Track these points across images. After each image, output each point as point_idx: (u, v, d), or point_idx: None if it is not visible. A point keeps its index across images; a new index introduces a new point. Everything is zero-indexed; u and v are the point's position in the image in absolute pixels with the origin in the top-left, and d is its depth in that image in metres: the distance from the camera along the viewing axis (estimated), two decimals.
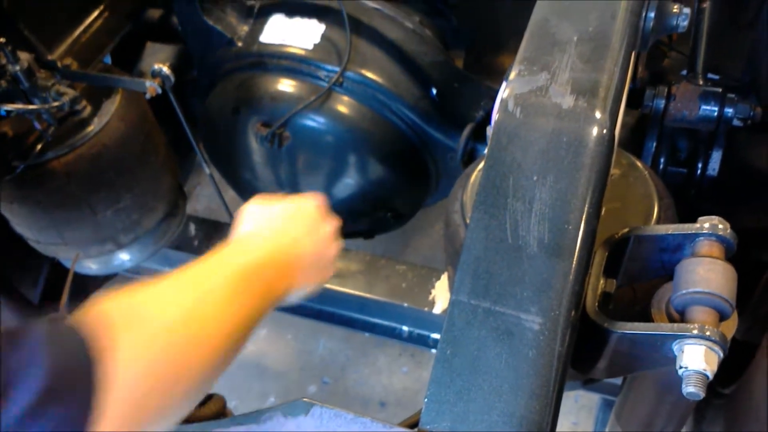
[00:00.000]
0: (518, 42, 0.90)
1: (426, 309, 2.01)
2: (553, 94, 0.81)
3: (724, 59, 1.74)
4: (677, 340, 0.77)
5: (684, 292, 0.79)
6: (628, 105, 1.69)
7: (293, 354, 2.55)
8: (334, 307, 2.13)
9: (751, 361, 1.35)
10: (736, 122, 1.60)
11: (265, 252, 0.89)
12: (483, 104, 1.83)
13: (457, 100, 1.88)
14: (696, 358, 0.74)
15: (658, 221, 1.20)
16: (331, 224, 1.05)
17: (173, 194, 2.06)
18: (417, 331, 2.09)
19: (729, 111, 1.58)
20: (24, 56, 1.59)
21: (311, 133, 1.83)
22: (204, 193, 2.87)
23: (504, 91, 0.83)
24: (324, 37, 1.82)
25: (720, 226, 0.83)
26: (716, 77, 1.68)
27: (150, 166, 1.93)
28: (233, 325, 0.79)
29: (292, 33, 1.83)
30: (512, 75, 0.83)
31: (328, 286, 2.05)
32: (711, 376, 0.75)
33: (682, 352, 0.76)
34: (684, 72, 1.70)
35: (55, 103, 1.62)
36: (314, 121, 1.82)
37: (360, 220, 2.03)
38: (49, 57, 1.70)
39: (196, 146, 1.86)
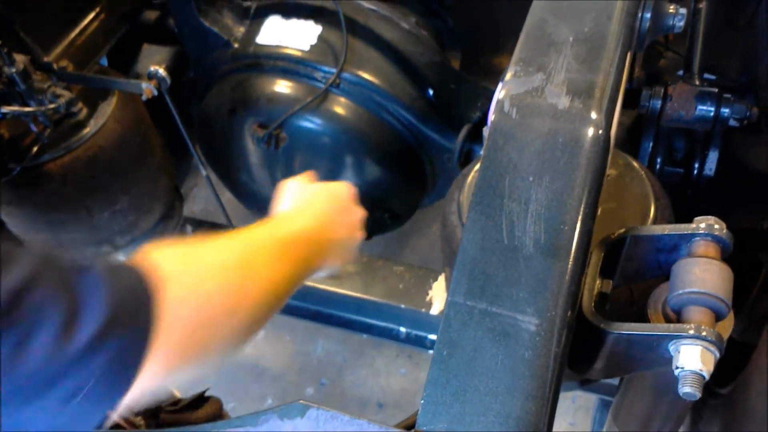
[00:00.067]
0: (515, 42, 0.90)
1: (423, 310, 2.01)
2: (549, 94, 0.81)
3: (720, 59, 1.75)
4: (673, 341, 0.77)
5: (680, 292, 0.79)
6: (624, 105, 1.68)
7: (291, 356, 2.55)
8: (331, 308, 2.13)
9: (748, 361, 1.35)
10: (732, 122, 1.60)
11: (304, 229, 0.98)
12: (479, 105, 1.83)
13: (454, 101, 1.88)
14: (692, 359, 0.74)
15: (655, 221, 1.21)
16: (359, 212, 1.14)
17: (170, 196, 2.06)
18: (414, 332, 2.09)
19: (725, 111, 1.58)
20: (20, 58, 1.59)
21: (308, 134, 1.83)
22: (201, 195, 2.86)
23: (500, 92, 0.83)
24: (320, 38, 1.82)
25: (716, 227, 0.83)
26: (713, 77, 1.69)
27: (146, 167, 1.93)
28: (275, 282, 0.87)
29: (289, 34, 1.83)
30: (508, 76, 0.83)
31: (325, 287, 2.05)
32: (707, 377, 0.75)
33: (678, 352, 0.76)
34: (680, 72, 1.70)
35: (51, 105, 1.62)
36: (311, 122, 1.82)
37: None
38: (45, 59, 1.70)
39: (193, 148, 1.86)
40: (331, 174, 1.94)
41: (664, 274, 0.87)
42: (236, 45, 1.88)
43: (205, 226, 2.37)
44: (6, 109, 1.60)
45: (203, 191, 2.85)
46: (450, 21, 1.95)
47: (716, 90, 1.58)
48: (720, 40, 1.72)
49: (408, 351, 2.45)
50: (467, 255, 0.77)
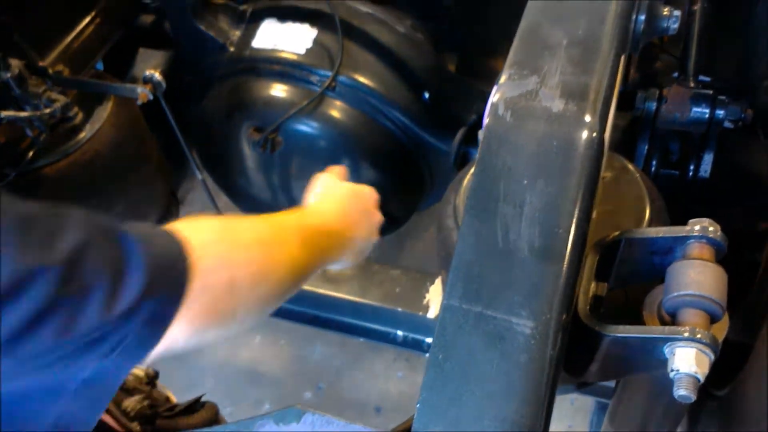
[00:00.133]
0: (510, 45, 0.90)
1: (420, 313, 2.01)
2: (543, 97, 0.81)
3: (716, 61, 1.75)
4: (668, 343, 0.77)
5: (675, 294, 0.79)
6: (620, 107, 1.69)
7: (288, 360, 2.55)
8: (328, 312, 2.13)
9: (745, 363, 1.35)
10: (727, 124, 1.60)
11: (328, 223, 1.07)
12: (475, 108, 1.84)
13: (450, 104, 1.88)
14: (687, 361, 0.74)
15: (650, 224, 1.21)
16: (378, 216, 1.23)
17: (166, 200, 2.06)
18: (411, 335, 2.09)
19: (720, 113, 1.58)
20: (15, 63, 1.59)
21: (304, 138, 1.83)
22: (198, 199, 2.85)
23: (494, 95, 0.83)
24: (316, 41, 1.82)
25: (710, 229, 0.83)
26: (708, 79, 1.69)
27: (142, 172, 1.93)
28: (296, 264, 0.94)
29: (285, 38, 1.83)
30: (502, 79, 0.83)
31: (322, 291, 2.05)
32: (702, 379, 0.75)
33: (673, 354, 0.76)
34: (676, 74, 1.71)
35: (47, 110, 1.62)
36: (307, 126, 1.82)
37: None
38: (41, 64, 1.70)
39: (189, 152, 1.86)
40: None
41: (659, 277, 0.87)
42: (232, 49, 1.88)
43: None
44: (1, 114, 1.60)
45: (200, 195, 2.84)
46: (446, 24, 1.95)
47: (711, 92, 1.59)
48: (715, 41, 1.72)
49: (406, 354, 2.45)
50: (462, 258, 0.77)
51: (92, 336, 0.70)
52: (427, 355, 0.74)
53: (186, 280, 0.76)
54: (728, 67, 1.78)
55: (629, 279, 0.92)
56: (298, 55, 1.81)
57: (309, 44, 1.82)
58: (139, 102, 1.70)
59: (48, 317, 0.68)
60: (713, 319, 0.80)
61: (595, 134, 0.78)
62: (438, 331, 0.74)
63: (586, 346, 0.83)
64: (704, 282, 0.79)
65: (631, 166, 1.32)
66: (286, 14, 1.86)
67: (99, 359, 0.73)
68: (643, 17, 1.06)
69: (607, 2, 0.90)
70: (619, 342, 0.81)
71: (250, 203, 2.16)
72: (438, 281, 2.10)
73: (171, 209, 2.10)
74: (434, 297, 2.03)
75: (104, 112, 1.80)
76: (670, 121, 1.61)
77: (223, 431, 0.87)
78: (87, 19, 1.82)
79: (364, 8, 1.84)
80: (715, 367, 0.80)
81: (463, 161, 1.80)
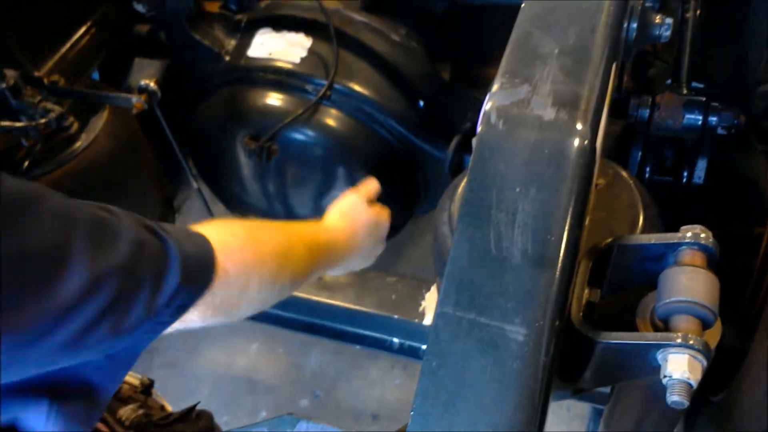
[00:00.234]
0: (503, 54, 0.90)
1: (416, 320, 2.01)
2: (535, 106, 0.81)
3: (709, 68, 1.76)
4: (661, 349, 0.77)
5: (667, 301, 0.80)
6: (613, 115, 1.70)
7: (284, 368, 2.54)
8: (324, 320, 2.13)
9: (740, 368, 1.35)
10: (720, 131, 1.61)
11: (336, 243, 1.20)
12: (470, 115, 1.84)
13: (444, 112, 1.89)
14: (679, 367, 0.74)
15: (644, 230, 1.21)
16: (383, 246, 1.38)
17: (162, 208, 2.06)
18: (408, 342, 2.08)
19: (713, 119, 1.59)
20: (10, 73, 1.59)
21: (299, 146, 1.84)
22: (194, 207, 2.85)
23: (486, 104, 0.83)
24: (311, 50, 1.83)
25: (702, 235, 0.84)
26: (701, 86, 1.70)
27: (138, 181, 1.93)
28: (302, 272, 1.08)
29: (280, 47, 1.84)
30: (494, 88, 0.84)
31: (317, 298, 2.05)
32: (695, 385, 0.75)
33: (666, 360, 0.76)
34: (669, 81, 1.71)
35: (42, 120, 1.62)
36: (302, 134, 1.82)
37: None
38: (36, 74, 1.70)
39: (184, 161, 1.86)
40: (322, 185, 1.95)
41: (651, 283, 0.87)
42: (227, 58, 1.89)
43: None
44: None
45: (196, 203, 2.84)
46: (440, 32, 1.96)
47: (704, 99, 1.59)
48: (708, 48, 1.73)
49: (403, 362, 2.45)
50: (456, 266, 0.77)
51: (137, 324, 0.80)
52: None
53: (210, 280, 0.88)
54: (721, 74, 1.79)
55: (622, 285, 0.92)
56: (293, 64, 1.82)
57: (304, 53, 1.82)
58: (135, 111, 1.70)
59: (107, 315, 0.76)
60: (705, 325, 0.80)
61: (586, 142, 0.79)
62: (432, 338, 0.74)
63: (579, 353, 0.83)
64: (696, 288, 0.80)
65: (624, 173, 1.33)
66: (281, 23, 1.87)
67: (138, 337, 0.82)
68: (634, 25, 1.07)
69: (597, 11, 0.91)
70: (613, 348, 0.81)
71: (245, 211, 2.17)
72: (434, 288, 2.10)
73: (167, 217, 2.10)
74: (430, 304, 2.03)
75: (100, 121, 1.80)
76: (664, 127, 1.62)
77: None
78: (82, 30, 1.82)
79: (359, 17, 1.85)
80: (710, 373, 0.80)
81: (458, 168, 1.81)
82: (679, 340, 0.76)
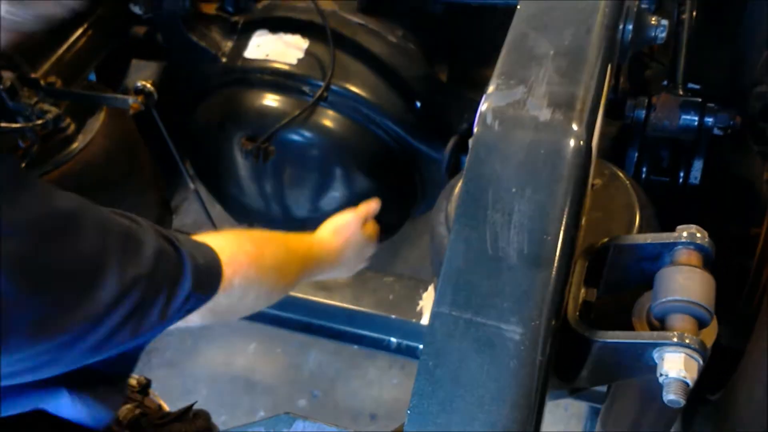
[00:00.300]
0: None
1: (414, 320, 2.01)
2: (531, 107, 0.82)
3: (705, 69, 1.76)
4: (657, 348, 0.77)
5: (663, 300, 0.80)
6: (610, 116, 1.70)
7: (282, 368, 2.54)
8: (322, 320, 2.13)
9: (737, 367, 1.36)
10: (716, 131, 1.61)
11: (328, 258, 1.32)
12: (466, 116, 1.85)
13: (441, 113, 1.89)
14: (675, 366, 0.75)
15: (640, 230, 1.22)
16: (365, 264, 1.50)
17: (159, 210, 2.06)
18: (405, 342, 2.09)
19: (709, 120, 1.59)
20: (7, 75, 1.59)
21: (296, 147, 1.84)
22: (192, 208, 2.86)
23: (482, 105, 0.84)
24: (308, 52, 1.83)
25: (698, 235, 0.84)
26: (697, 87, 1.70)
27: (135, 182, 1.93)
28: (294, 280, 1.19)
29: (276, 48, 1.84)
30: (490, 89, 0.84)
31: (315, 299, 2.05)
32: (691, 384, 0.75)
33: (662, 359, 0.76)
34: (665, 82, 1.72)
35: (39, 121, 1.62)
36: (299, 135, 1.82)
37: None
38: (33, 75, 1.70)
39: (181, 162, 1.86)
40: (319, 187, 1.95)
41: (648, 283, 0.88)
42: (224, 59, 1.89)
43: None
44: None
45: (194, 204, 2.84)
46: (437, 34, 1.96)
47: (700, 100, 1.60)
48: (704, 50, 1.74)
49: (401, 362, 2.45)
50: (452, 266, 0.77)
51: (151, 327, 0.86)
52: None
53: (216, 289, 0.95)
54: (717, 75, 1.79)
55: (618, 285, 0.92)
56: (290, 65, 1.82)
57: (301, 55, 1.83)
58: (131, 113, 1.70)
59: (131, 319, 0.81)
60: (701, 324, 0.81)
61: (582, 142, 0.79)
62: (428, 337, 0.74)
63: (576, 352, 0.84)
64: (692, 287, 0.80)
65: (621, 174, 1.34)
66: (278, 25, 1.87)
67: (148, 336, 0.88)
68: (630, 26, 1.08)
69: (593, 12, 0.91)
70: (609, 347, 0.82)
71: (243, 212, 2.17)
72: (431, 288, 2.10)
73: (164, 219, 2.10)
74: (427, 304, 2.03)
75: (97, 122, 1.80)
76: (660, 128, 1.62)
77: None
78: (79, 31, 1.82)
79: (356, 19, 1.86)
80: (708, 372, 0.81)
81: (455, 169, 1.81)
82: (675, 339, 0.76)
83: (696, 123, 1.59)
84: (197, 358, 2.57)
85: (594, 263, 0.90)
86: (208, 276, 0.94)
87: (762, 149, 1.61)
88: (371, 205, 1.49)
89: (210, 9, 1.94)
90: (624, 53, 1.11)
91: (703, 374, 0.79)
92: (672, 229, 0.86)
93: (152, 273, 0.83)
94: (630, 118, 1.64)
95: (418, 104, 1.89)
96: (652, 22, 1.17)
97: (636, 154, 1.68)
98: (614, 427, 1.14)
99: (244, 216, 2.19)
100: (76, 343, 0.78)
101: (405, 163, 1.93)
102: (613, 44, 0.97)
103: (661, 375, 0.76)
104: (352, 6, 1.88)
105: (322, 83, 1.79)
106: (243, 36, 1.89)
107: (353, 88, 1.82)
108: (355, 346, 2.21)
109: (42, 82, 1.70)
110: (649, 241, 0.87)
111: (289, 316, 2.15)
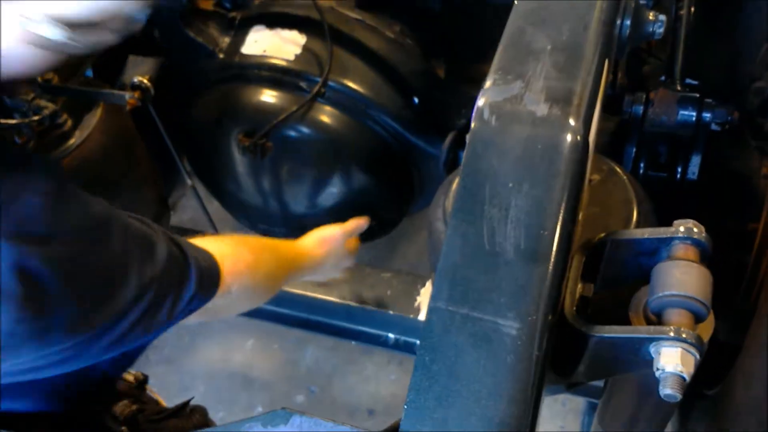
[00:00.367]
0: None
1: (412, 316, 2.01)
2: (528, 102, 0.81)
3: (703, 64, 1.76)
4: (654, 343, 0.77)
5: (660, 294, 0.80)
6: (608, 111, 1.71)
7: (280, 364, 2.55)
8: (319, 315, 2.13)
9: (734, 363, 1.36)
10: (714, 127, 1.62)
11: (308, 266, 1.44)
12: (464, 112, 1.85)
13: (439, 108, 1.89)
14: (672, 360, 0.75)
15: (638, 225, 1.22)
16: (340, 273, 1.63)
17: (156, 206, 2.06)
18: (403, 338, 2.09)
19: (707, 116, 1.60)
20: None
21: (294, 143, 1.84)
22: (189, 204, 2.86)
23: (479, 100, 0.84)
24: (305, 47, 1.83)
25: (695, 230, 0.84)
26: (695, 82, 1.70)
27: (132, 178, 1.92)
28: (280, 285, 1.30)
29: (274, 44, 1.84)
30: (487, 84, 0.84)
31: (313, 294, 2.05)
32: (688, 378, 0.75)
33: (659, 354, 0.76)
34: (663, 78, 1.72)
35: (36, 117, 1.62)
36: (296, 131, 1.82)
37: None
38: None
39: (178, 158, 1.86)
40: (317, 183, 1.95)
41: (645, 278, 0.88)
42: (221, 55, 1.88)
43: (191, 235, 2.37)
44: None
45: (192, 201, 2.83)
46: (435, 29, 1.96)
47: (697, 95, 1.60)
48: (702, 45, 1.74)
49: (398, 357, 2.46)
50: (449, 261, 0.77)
51: (159, 325, 0.91)
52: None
53: (215, 292, 1.01)
54: (715, 71, 1.79)
55: (616, 280, 0.93)
56: (287, 61, 1.82)
57: (298, 50, 1.82)
58: (128, 108, 1.70)
59: (145, 318, 0.86)
60: (698, 318, 0.81)
61: (579, 137, 0.79)
62: (425, 333, 0.74)
63: (573, 347, 0.84)
64: (689, 282, 0.80)
65: (619, 169, 1.34)
66: (275, 21, 1.87)
67: (156, 334, 0.93)
68: (628, 22, 1.08)
69: (590, 8, 0.91)
70: (606, 342, 0.82)
71: (240, 209, 2.17)
72: (429, 284, 2.10)
73: (162, 216, 2.10)
74: (425, 299, 2.03)
75: (93, 119, 1.80)
76: (658, 124, 1.62)
77: None
78: None
79: (353, 14, 1.85)
80: (705, 367, 0.81)
81: (452, 165, 1.81)
82: (671, 334, 0.76)
83: (694, 118, 1.59)
84: (195, 355, 2.58)
85: (591, 258, 0.90)
86: (209, 279, 1.00)
87: (760, 144, 1.61)
88: (359, 223, 1.58)
89: (207, 5, 1.93)
90: (622, 49, 1.11)
91: (701, 369, 0.79)
92: (670, 225, 0.87)
93: (164, 274, 0.88)
94: (628, 114, 1.64)
95: (416, 100, 1.88)
96: (650, 18, 1.17)
97: (634, 150, 1.68)
98: (611, 422, 1.14)
99: (242, 212, 2.19)
100: (99, 339, 0.83)
101: (403, 158, 1.93)
102: (611, 40, 0.97)
103: (657, 369, 0.76)
104: (350, 2, 1.88)
105: (319, 79, 1.78)
106: (240, 32, 1.89)
107: (351, 84, 1.81)
108: (353, 342, 2.21)
109: (39, 78, 1.70)
110: (646, 236, 0.87)
111: (286, 312, 2.15)
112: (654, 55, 1.86)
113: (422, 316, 2.04)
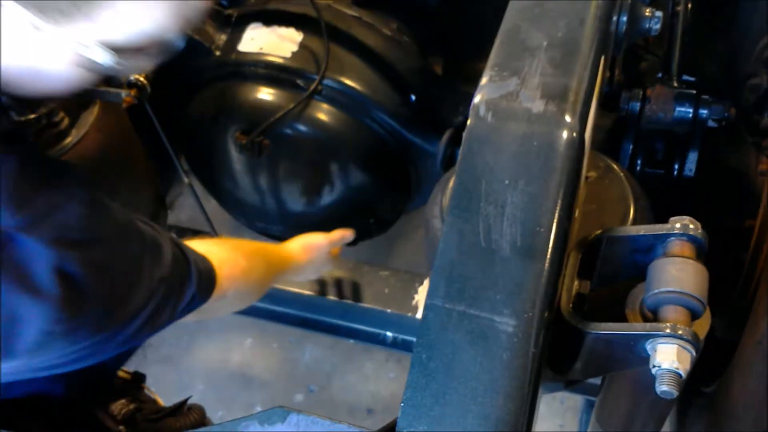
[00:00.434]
0: None
1: (409, 314, 2.01)
2: (524, 98, 0.81)
3: (699, 61, 1.76)
4: (650, 340, 0.77)
5: (656, 291, 0.80)
6: (604, 108, 1.70)
7: (279, 363, 2.55)
8: (317, 314, 2.13)
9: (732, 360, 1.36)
10: (711, 123, 1.62)
11: (291, 269, 1.50)
12: (461, 109, 1.84)
13: (436, 106, 1.89)
14: (668, 357, 0.75)
15: (635, 222, 1.22)
16: (319, 275, 1.78)
17: (153, 205, 2.05)
18: (401, 336, 2.09)
19: (704, 112, 1.60)
20: None
21: (291, 141, 1.83)
22: (187, 203, 2.85)
23: (475, 97, 0.84)
24: (302, 45, 1.82)
25: (691, 226, 0.84)
26: (692, 79, 1.70)
27: (129, 177, 1.92)
28: (268, 286, 1.37)
29: (271, 41, 1.84)
30: (483, 81, 0.84)
31: (311, 293, 2.05)
32: (684, 375, 0.75)
33: (655, 351, 0.77)
34: (660, 74, 1.72)
35: (32, 116, 1.61)
36: (293, 129, 1.82)
37: (342, 227, 2.03)
38: None
39: (175, 157, 1.86)
40: (314, 181, 1.95)
41: (641, 274, 0.88)
42: (218, 53, 1.88)
43: (189, 234, 2.37)
44: None
45: (189, 199, 2.83)
46: (432, 27, 1.96)
47: (694, 92, 1.60)
48: (698, 41, 1.74)
49: (397, 355, 2.45)
50: (445, 258, 0.77)
51: (162, 324, 0.94)
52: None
53: (211, 294, 1.05)
54: (712, 67, 1.80)
55: (612, 277, 0.93)
56: (284, 58, 1.82)
57: (295, 48, 1.82)
58: (124, 106, 1.69)
59: (152, 317, 0.90)
60: (694, 315, 0.81)
61: (575, 134, 0.79)
62: (421, 330, 0.75)
63: (569, 344, 0.84)
64: (685, 279, 0.80)
65: (615, 166, 1.34)
66: (271, 18, 1.86)
67: (157, 331, 0.96)
68: (624, 18, 1.08)
69: (586, 4, 0.91)
70: (602, 339, 0.82)
71: (238, 207, 2.16)
72: (426, 282, 2.10)
73: (159, 215, 2.10)
74: (423, 298, 2.03)
75: (90, 117, 1.79)
76: (655, 120, 1.62)
77: None
78: None
79: (350, 12, 1.85)
80: (702, 364, 0.81)
81: (450, 162, 1.81)
82: (667, 330, 0.76)
83: (690, 115, 1.59)
84: (193, 354, 2.57)
85: (587, 255, 0.90)
86: (207, 281, 1.04)
87: (756, 141, 1.61)
88: (344, 234, 1.64)
89: None
90: (618, 45, 1.11)
91: (698, 366, 0.79)
92: (666, 222, 0.87)
93: (170, 276, 0.93)
94: (625, 111, 1.64)
95: (413, 97, 1.88)
96: (647, 14, 1.17)
97: (630, 147, 1.68)
98: (609, 420, 1.14)
99: (239, 210, 2.18)
100: (114, 338, 0.87)
101: (400, 156, 1.93)
102: (607, 36, 0.97)
103: (654, 366, 0.76)
104: None
105: (316, 76, 1.78)
106: (237, 29, 1.89)
107: (348, 82, 1.81)
108: (351, 341, 2.21)
109: None
110: (641, 233, 0.87)
111: (285, 311, 2.15)
112: (651, 51, 1.86)
113: (420, 314, 2.03)
